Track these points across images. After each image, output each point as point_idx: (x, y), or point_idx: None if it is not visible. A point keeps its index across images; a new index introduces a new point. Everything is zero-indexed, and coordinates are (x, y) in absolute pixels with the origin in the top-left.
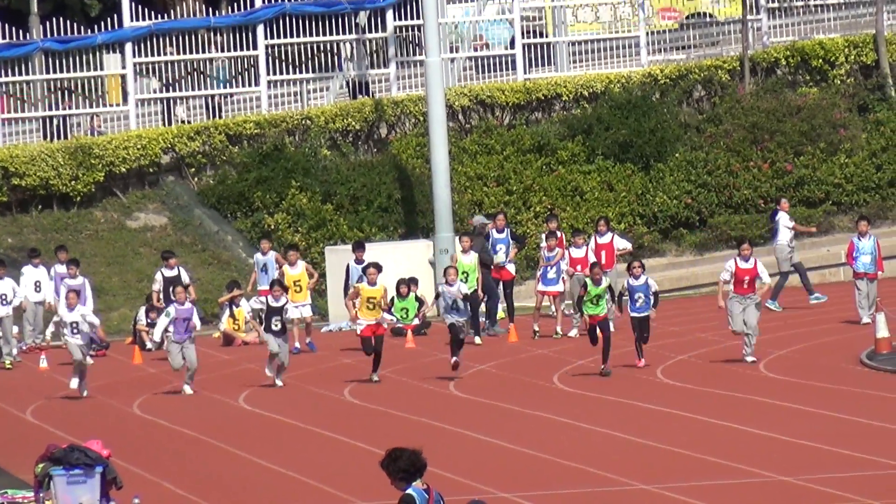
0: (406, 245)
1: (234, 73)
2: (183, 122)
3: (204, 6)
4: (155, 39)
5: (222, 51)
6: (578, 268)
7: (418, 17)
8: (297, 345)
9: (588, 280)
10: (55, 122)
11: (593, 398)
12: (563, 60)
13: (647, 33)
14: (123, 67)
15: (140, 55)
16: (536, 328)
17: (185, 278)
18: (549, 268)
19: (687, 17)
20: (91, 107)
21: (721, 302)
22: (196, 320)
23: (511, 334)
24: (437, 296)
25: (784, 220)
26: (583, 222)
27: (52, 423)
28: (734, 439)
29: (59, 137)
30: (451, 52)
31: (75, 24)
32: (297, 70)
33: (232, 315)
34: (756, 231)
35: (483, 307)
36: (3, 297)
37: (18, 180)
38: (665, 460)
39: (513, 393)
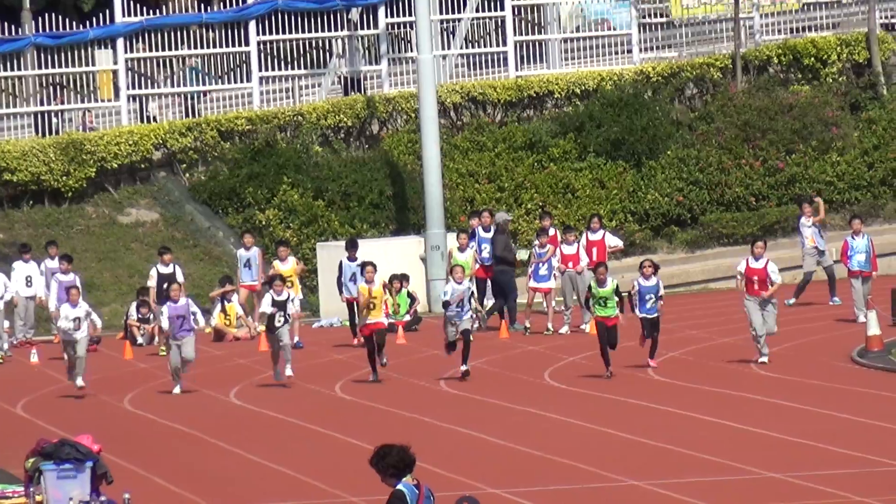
0: (397, 241)
1: (221, 71)
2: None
3: (196, 2)
4: (146, 35)
5: (214, 47)
6: (570, 265)
7: (410, 14)
8: (297, 338)
9: (592, 282)
10: (47, 117)
11: (584, 395)
12: (555, 57)
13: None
14: (115, 63)
15: (131, 51)
16: (528, 324)
17: (180, 276)
18: (540, 264)
19: None
20: (83, 102)
21: (741, 287)
22: (199, 315)
23: (502, 331)
24: (446, 304)
25: (803, 224)
26: (574, 219)
27: (42, 418)
28: (724, 436)
29: (50, 133)
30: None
31: (67, 20)
32: (289, 66)
33: (223, 310)
34: (747, 229)
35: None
36: None
37: (10, 175)
38: (656, 457)
39: (503, 389)
